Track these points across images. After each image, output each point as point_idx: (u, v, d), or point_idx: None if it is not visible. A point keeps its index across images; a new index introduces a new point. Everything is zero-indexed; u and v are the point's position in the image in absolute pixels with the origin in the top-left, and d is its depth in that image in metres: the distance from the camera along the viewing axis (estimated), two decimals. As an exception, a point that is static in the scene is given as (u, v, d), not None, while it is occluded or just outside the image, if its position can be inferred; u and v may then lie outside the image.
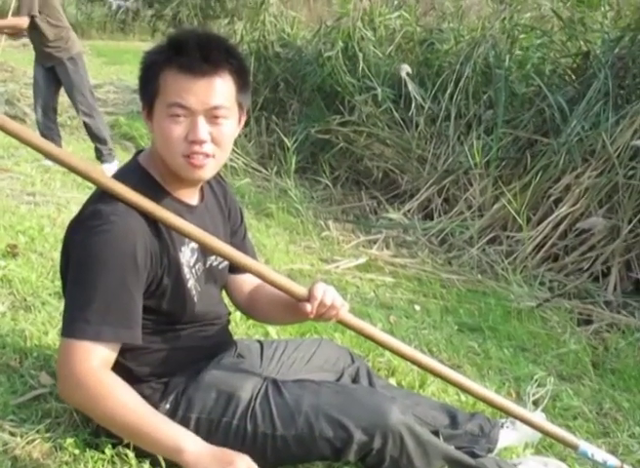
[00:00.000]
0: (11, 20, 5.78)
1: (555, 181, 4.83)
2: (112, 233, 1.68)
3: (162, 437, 1.64)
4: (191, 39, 1.75)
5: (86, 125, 6.15)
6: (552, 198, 4.78)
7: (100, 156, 6.12)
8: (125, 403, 1.65)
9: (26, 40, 18.59)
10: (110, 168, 5.91)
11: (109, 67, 13.82)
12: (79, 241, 1.73)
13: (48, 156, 1.72)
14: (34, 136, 1.72)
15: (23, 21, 5.66)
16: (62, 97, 6.33)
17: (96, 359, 1.66)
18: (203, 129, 1.72)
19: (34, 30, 5.76)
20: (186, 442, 1.63)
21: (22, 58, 12.73)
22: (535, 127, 5.36)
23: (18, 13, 5.73)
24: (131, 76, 11.50)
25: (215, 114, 1.74)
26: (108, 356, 1.70)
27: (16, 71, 10.61)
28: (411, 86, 6.04)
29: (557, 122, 5.07)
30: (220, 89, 1.74)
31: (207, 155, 1.75)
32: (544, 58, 5.90)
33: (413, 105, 5.98)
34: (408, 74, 6.10)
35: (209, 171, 1.80)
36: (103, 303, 1.67)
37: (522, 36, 6.12)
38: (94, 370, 1.65)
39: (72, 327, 1.68)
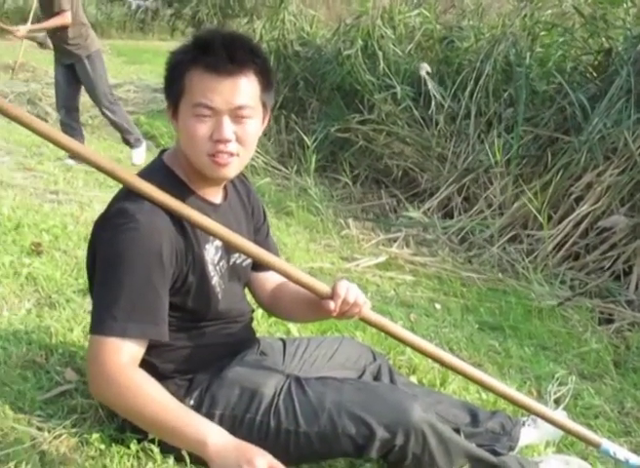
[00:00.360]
0: (56, 20, 5.79)
1: (576, 179, 4.81)
2: (138, 231, 1.70)
3: (188, 431, 1.64)
4: (217, 39, 1.76)
5: (110, 120, 6.33)
6: (573, 196, 4.76)
7: (128, 143, 6.45)
8: (153, 398, 1.67)
9: (47, 39, 18.74)
10: (139, 151, 6.30)
11: (129, 67, 13.91)
12: (105, 239, 1.76)
13: (75, 154, 1.73)
14: (61, 135, 1.73)
15: (65, 18, 5.75)
16: (84, 97, 6.39)
17: (124, 355, 1.68)
18: (228, 128, 1.74)
19: (56, 27, 5.82)
20: (210, 435, 1.62)
21: (44, 59, 12.81)
22: (556, 125, 5.33)
23: (47, 12, 5.81)
24: (150, 75, 11.58)
25: (239, 114, 1.75)
26: (136, 352, 1.72)
27: (37, 71, 10.71)
28: (430, 84, 6.04)
29: (578, 120, 5.04)
30: (245, 88, 1.75)
31: (231, 154, 1.77)
32: (566, 56, 5.86)
33: (433, 104, 5.98)
34: (428, 73, 6.09)
35: (233, 169, 1.82)
36: (130, 301, 1.69)
37: (543, 33, 6.09)
38: (123, 367, 1.67)
39: (100, 324, 1.71)
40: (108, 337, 1.68)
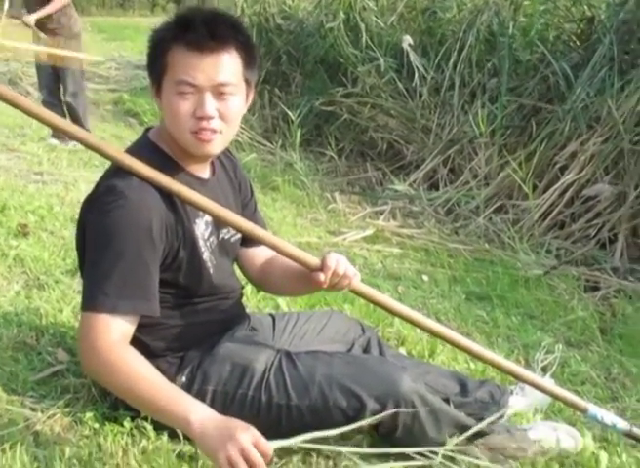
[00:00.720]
0: (55, 4, 5.72)
1: (561, 149, 4.84)
2: (127, 208, 1.70)
3: (174, 409, 1.63)
4: (197, 16, 1.76)
5: (68, 105, 6.07)
6: (558, 165, 4.80)
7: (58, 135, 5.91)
8: (143, 376, 1.68)
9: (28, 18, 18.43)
10: (55, 144, 5.85)
11: (110, 43, 13.78)
12: (95, 218, 1.76)
13: (62, 131, 1.73)
14: (47, 112, 1.72)
15: None
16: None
17: (115, 332, 1.69)
18: (210, 105, 1.74)
19: (39, 6, 5.72)
20: (194, 413, 1.60)
21: (23, 37, 12.68)
22: (539, 94, 5.36)
23: None
24: (132, 52, 11.48)
25: (222, 90, 1.75)
26: (127, 329, 1.73)
27: (17, 50, 10.55)
28: (413, 56, 6.01)
29: (562, 89, 5.06)
30: (227, 65, 1.75)
31: (214, 131, 1.77)
32: (548, 25, 5.86)
33: (416, 76, 5.96)
34: (410, 45, 6.07)
35: (217, 146, 1.82)
36: (121, 277, 1.70)
37: (526, 2, 6.05)
38: (113, 345, 1.68)
39: (91, 301, 1.72)
40: (99, 314, 1.69)
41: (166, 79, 1.77)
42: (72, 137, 1.75)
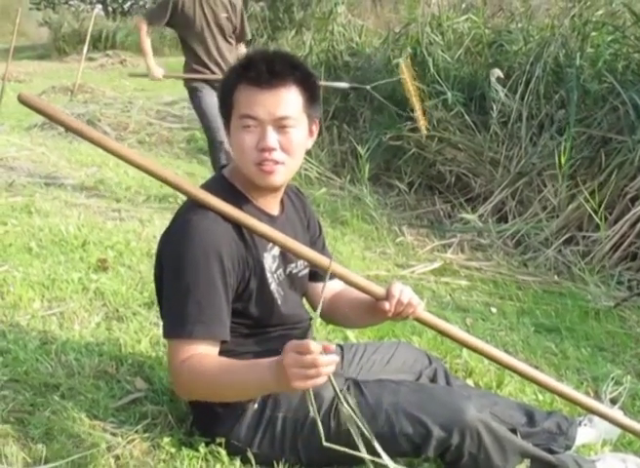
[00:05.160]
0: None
1: (631, 180, 4.79)
2: (200, 239, 1.82)
3: (254, 385, 1.74)
4: (258, 56, 1.92)
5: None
6: (629, 196, 4.74)
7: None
8: (218, 370, 1.79)
9: (103, 60, 19.02)
10: None
11: (182, 83, 14.13)
12: (171, 249, 1.89)
13: (144, 170, 1.84)
14: (126, 149, 1.84)
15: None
16: (141, 116, 6.48)
17: (193, 354, 1.81)
18: (271, 137, 1.86)
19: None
20: (265, 379, 1.67)
21: (101, 79, 13.22)
22: (608, 125, 5.30)
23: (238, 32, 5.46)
24: (204, 92, 11.74)
25: (282, 124, 1.87)
26: (208, 352, 1.84)
27: (95, 92, 10.99)
28: (500, 89, 6.00)
29: (632, 119, 5.01)
30: (286, 99, 1.87)
31: (277, 162, 1.88)
32: (617, 55, 5.80)
33: (495, 108, 5.96)
34: (499, 78, 6.07)
35: (279, 177, 1.92)
36: (195, 304, 1.82)
37: (593, 33, 6.04)
38: (188, 362, 1.80)
39: (170, 328, 1.87)
40: (178, 340, 1.83)
41: (233, 116, 1.90)
42: (151, 175, 1.86)
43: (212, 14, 5.25)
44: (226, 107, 1.92)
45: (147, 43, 5.56)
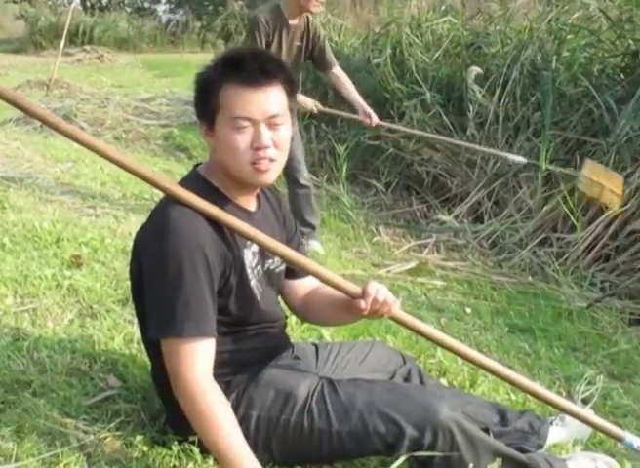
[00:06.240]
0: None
1: (605, 182, 4.83)
2: (182, 234, 1.81)
3: (229, 460, 1.77)
4: (246, 55, 1.90)
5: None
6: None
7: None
8: (218, 424, 1.80)
9: (80, 55, 18.89)
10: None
11: (161, 80, 14.11)
12: (151, 245, 1.87)
13: (120, 165, 1.83)
14: (105, 146, 1.83)
15: None
16: (118, 112, 6.42)
17: (199, 363, 1.81)
18: (266, 136, 1.87)
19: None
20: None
21: (78, 75, 13.12)
22: (583, 128, 5.37)
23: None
24: (182, 88, 11.73)
25: (274, 122, 1.88)
26: (202, 351, 1.83)
27: (72, 87, 10.88)
28: (477, 89, 6.03)
29: (606, 122, 5.07)
30: (276, 98, 1.89)
31: (271, 160, 1.89)
32: (592, 59, 5.88)
33: (472, 110, 6.00)
34: (478, 75, 6.09)
35: (273, 174, 1.93)
36: (183, 301, 1.80)
37: (569, 37, 6.10)
38: (197, 377, 1.80)
39: (159, 328, 1.85)
40: (173, 339, 1.81)
41: (220, 117, 1.88)
42: (128, 171, 1.85)
43: None
44: (209, 108, 1.90)
45: None
